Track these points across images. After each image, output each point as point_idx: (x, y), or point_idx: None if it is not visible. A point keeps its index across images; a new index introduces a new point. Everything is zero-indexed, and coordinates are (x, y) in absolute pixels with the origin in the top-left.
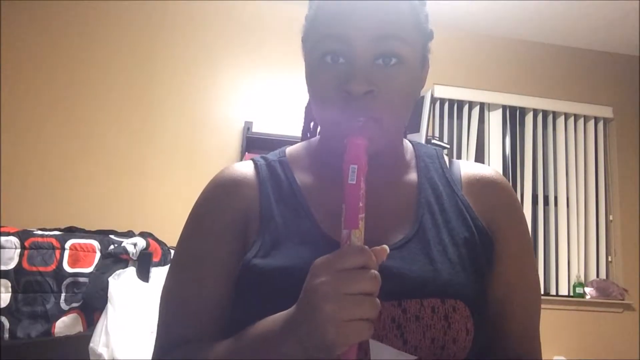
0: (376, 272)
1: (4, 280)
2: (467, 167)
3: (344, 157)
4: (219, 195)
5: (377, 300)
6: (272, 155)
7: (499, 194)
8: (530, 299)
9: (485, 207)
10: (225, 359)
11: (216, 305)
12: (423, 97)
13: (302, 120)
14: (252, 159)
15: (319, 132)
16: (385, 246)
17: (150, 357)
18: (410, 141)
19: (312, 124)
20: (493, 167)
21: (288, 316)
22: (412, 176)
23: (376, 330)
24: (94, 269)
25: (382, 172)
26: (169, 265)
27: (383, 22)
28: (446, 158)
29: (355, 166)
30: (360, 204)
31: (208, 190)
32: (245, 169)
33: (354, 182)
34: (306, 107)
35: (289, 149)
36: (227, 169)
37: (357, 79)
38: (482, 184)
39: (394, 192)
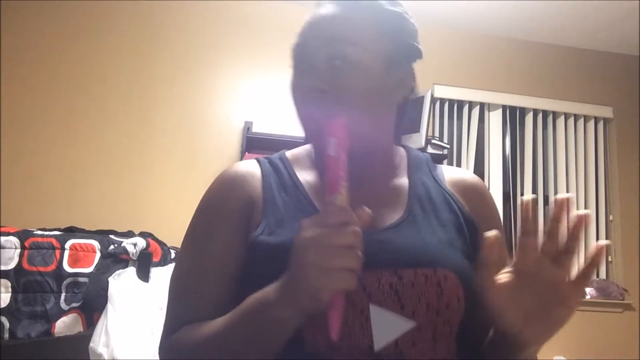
0: (357, 228)
1: (4, 280)
2: (450, 170)
3: (326, 134)
4: (226, 185)
5: (359, 253)
6: (273, 156)
7: (480, 192)
8: None
9: (470, 203)
10: (224, 329)
11: (222, 284)
12: (423, 97)
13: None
14: (255, 158)
15: None
16: (366, 208)
17: (149, 357)
18: (403, 146)
19: None
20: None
21: (280, 280)
22: (403, 175)
23: (376, 296)
24: (94, 269)
25: (374, 172)
26: (179, 252)
27: (335, 28)
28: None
29: (335, 139)
30: (341, 173)
31: (214, 184)
32: (249, 165)
33: (333, 153)
34: None
35: (289, 151)
36: (231, 165)
37: (311, 77)
38: (465, 184)
39: (387, 188)
